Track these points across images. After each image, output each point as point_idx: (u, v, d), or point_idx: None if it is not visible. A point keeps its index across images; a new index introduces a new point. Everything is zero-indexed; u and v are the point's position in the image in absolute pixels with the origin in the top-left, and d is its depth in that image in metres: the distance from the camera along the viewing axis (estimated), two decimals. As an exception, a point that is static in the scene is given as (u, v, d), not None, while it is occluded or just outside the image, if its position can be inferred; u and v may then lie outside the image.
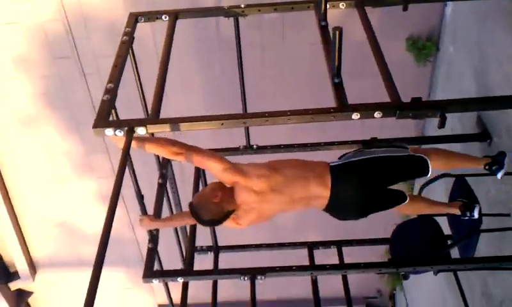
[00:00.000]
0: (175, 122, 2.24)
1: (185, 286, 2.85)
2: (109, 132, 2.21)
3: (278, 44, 4.91)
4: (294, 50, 4.90)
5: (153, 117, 2.28)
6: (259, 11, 3.09)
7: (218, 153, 2.76)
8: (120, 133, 2.21)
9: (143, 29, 4.73)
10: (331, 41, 2.49)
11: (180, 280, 2.76)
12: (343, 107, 2.21)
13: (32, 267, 6.60)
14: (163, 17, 2.99)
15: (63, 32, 4.80)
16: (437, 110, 2.21)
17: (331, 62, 2.31)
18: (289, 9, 3.14)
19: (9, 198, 6.00)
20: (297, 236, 6.03)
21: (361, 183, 2.81)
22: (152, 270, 2.68)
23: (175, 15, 2.98)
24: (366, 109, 2.20)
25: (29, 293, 6.84)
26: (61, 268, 6.65)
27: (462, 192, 3.27)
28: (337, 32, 2.14)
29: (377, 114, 2.21)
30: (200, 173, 3.65)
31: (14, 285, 6.63)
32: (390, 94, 2.28)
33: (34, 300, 7.02)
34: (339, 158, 2.99)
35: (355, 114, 2.20)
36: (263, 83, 5.11)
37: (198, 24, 4.76)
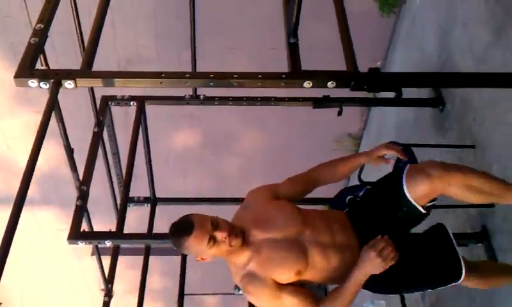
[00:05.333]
0: (108, 76, 2.00)
1: (115, 249, 2.67)
2: (32, 83, 1.94)
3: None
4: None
5: (85, 69, 2.02)
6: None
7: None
8: (45, 86, 1.95)
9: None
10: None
11: (109, 244, 2.56)
12: (296, 74, 2.03)
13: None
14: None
15: None
16: (393, 85, 2.06)
17: (288, 16, 2.11)
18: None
19: None
20: (243, 188, 5.95)
21: None
22: (79, 231, 2.47)
23: None
24: (319, 78, 2.03)
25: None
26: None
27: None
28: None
29: (330, 84, 2.04)
30: (140, 118, 3.39)
31: None
32: (347, 62, 2.10)
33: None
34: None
35: (307, 82, 2.02)
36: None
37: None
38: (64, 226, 6.13)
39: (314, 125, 5.34)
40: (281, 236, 2.14)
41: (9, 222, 1.66)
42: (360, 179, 2.70)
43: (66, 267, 6.92)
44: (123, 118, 4.71)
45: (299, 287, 2.15)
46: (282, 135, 5.71)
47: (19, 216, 1.68)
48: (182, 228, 2.07)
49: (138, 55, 4.97)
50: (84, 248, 6.65)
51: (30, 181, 1.74)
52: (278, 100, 3.50)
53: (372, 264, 2.02)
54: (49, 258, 6.78)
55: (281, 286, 2.12)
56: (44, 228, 6.54)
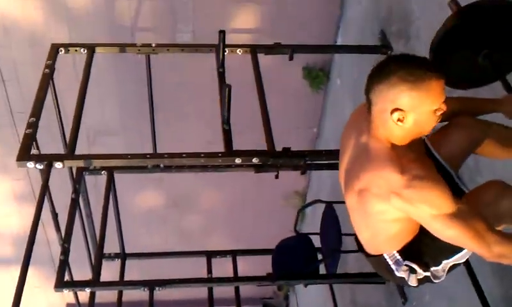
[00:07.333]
0: (88, 158, 2.68)
1: (92, 295, 3.27)
2: (30, 164, 2.59)
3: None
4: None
5: (69, 153, 2.68)
6: (168, 50, 3.58)
7: None
8: (40, 167, 2.60)
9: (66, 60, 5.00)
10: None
11: (88, 290, 3.18)
12: (229, 153, 2.73)
13: None
14: (82, 50, 3.39)
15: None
16: (301, 159, 2.80)
17: (222, 109, 2.81)
18: (194, 51, 3.63)
19: None
20: (203, 242, 6.59)
21: None
22: (63, 281, 3.07)
23: (92, 49, 3.38)
24: (246, 155, 2.74)
25: None
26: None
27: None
28: (227, 89, 2.61)
29: (255, 160, 2.76)
30: (110, 186, 4.01)
31: None
32: (267, 142, 2.83)
33: None
34: None
35: (237, 159, 2.73)
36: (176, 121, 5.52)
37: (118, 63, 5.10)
38: (39, 283, 6.62)
39: (264, 184, 6.03)
40: None
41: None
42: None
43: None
44: (93, 181, 5.34)
45: None
46: (236, 193, 6.40)
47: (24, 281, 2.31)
48: (424, 62, 1.68)
49: (105, 126, 5.62)
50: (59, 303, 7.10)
51: (31, 251, 2.38)
52: (226, 166, 4.18)
53: None
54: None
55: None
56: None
